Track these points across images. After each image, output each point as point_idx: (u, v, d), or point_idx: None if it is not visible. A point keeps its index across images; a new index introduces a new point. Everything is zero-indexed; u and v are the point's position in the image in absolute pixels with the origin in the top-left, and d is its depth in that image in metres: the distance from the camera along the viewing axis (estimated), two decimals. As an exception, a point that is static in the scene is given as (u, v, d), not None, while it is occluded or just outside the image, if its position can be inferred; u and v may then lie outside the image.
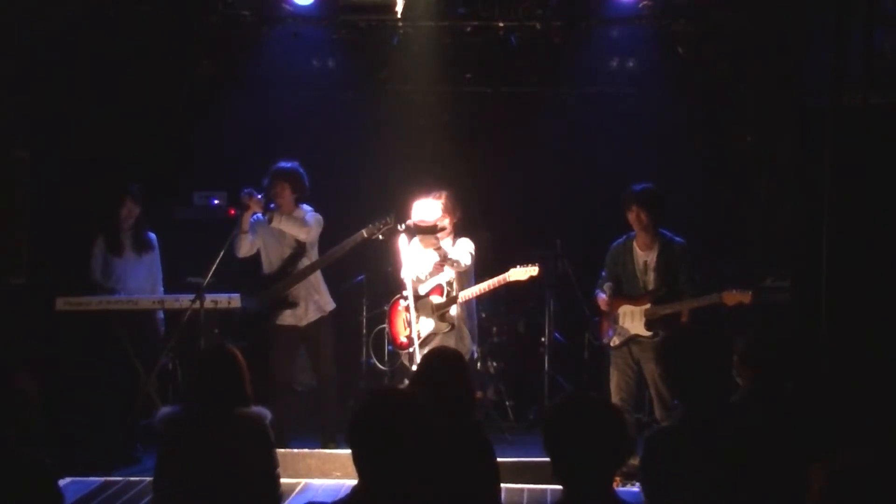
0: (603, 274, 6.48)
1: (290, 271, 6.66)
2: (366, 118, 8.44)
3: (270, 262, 6.71)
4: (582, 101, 8.43)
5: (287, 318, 6.65)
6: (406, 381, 6.35)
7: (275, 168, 6.64)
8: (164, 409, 4.05)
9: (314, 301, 6.69)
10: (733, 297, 5.95)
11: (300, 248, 6.67)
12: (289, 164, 6.67)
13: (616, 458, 2.84)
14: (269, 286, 6.66)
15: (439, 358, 3.99)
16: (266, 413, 3.98)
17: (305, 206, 6.74)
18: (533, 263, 6.31)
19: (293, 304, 6.64)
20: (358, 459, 2.82)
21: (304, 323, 6.67)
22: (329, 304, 6.78)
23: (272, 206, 6.53)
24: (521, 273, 6.28)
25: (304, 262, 6.68)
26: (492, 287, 6.38)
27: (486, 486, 3.70)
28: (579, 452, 2.79)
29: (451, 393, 3.71)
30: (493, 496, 3.72)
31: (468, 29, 7.75)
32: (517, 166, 8.58)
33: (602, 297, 6.40)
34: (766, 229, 7.67)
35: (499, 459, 6.00)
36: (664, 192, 6.33)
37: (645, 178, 6.39)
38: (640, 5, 7.50)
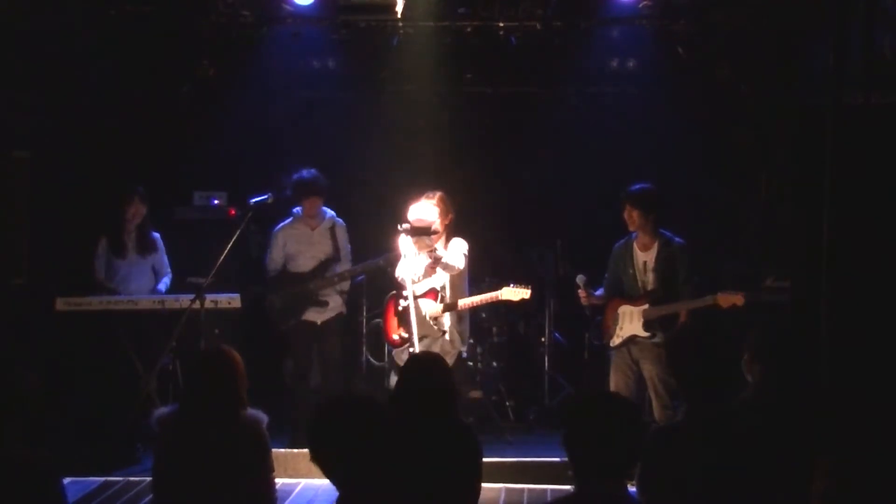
0: (606, 275, 6.48)
1: (323, 274, 6.84)
2: (366, 118, 8.44)
3: (299, 263, 6.87)
4: (582, 101, 8.43)
5: (309, 314, 6.83)
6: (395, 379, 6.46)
7: (312, 183, 6.77)
8: (160, 410, 4.05)
9: (336, 300, 6.91)
10: (727, 299, 5.98)
11: (336, 255, 6.89)
12: (314, 174, 6.82)
13: (634, 457, 2.86)
14: (298, 284, 6.80)
15: (419, 364, 4.06)
16: (262, 417, 3.98)
17: (329, 211, 6.95)
18: (526, 286, 6.33)
19: (324, 304, 6.84)
20: (324, 470, 2.91)
21: (321, 320, 6.85)
22: (343, 306, 7.02)
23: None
24: (513, 294, 6.32)
25: (338, 267, 6.90)
26: (483, 302, 6.45)
27: (466, 485, 3.73)
28: (600, 450, 2.81)
29: (434, 396, 3.75)
30: (472, 495, 3.75)
31: (468, 29, 7.74)
32: (517, 166, 8.58)
33: (580, 292, 6.42)
34: (766, 229, 7.67)
35: (499, 459, 6.04)
36: (661, 192, 6.33)
37: (645, 178, 6.39)
38: (640, 5, 7.50)
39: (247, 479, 3.89)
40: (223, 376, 3.90)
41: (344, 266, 6.93)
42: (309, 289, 6.82)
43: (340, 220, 6.99)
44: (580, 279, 6.40)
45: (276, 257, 6.91)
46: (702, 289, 6.20)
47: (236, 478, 3.85)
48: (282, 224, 6.94)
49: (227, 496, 3.83)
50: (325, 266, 6.87)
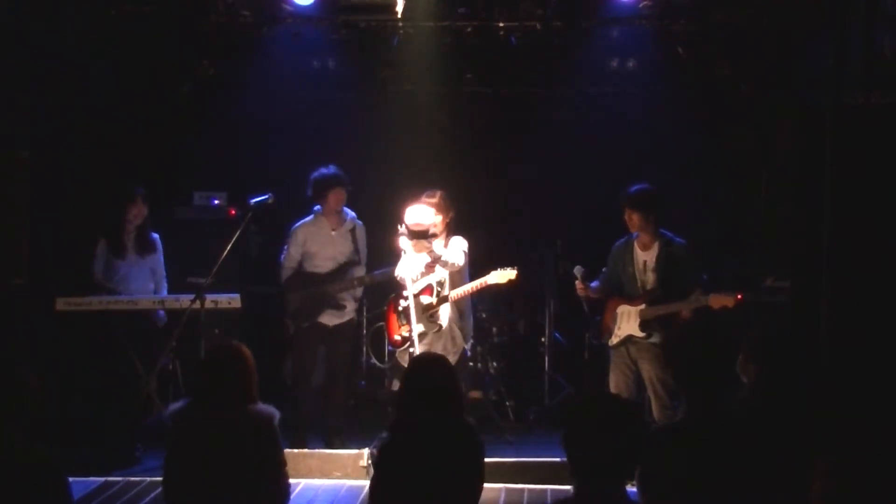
0: (604, 270, 6.48)
1: (343, 276, 6.78)
2: (366, 118, 8.44)
3: (317, 264, 6.80)
4: (582, 101, 8.42)
5: (323, 316, 6.78)
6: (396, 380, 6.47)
7: (335, 175, 6.73)
8: (175, 404, 4.09)
9: (351, 305, 6.88)
10: (718, 300, 5.98)
11: (356, 258, 6.83)
12: (334, 168, 6.78)
13: (633, 458, 2.86)
14: (316, 285, 6.75)
15: (422, 364, 4.08)
16: (274, 412, 4.01)
17: (350, 212, 6.89)
18: (512, 267, 6.32)
19: (342, 307, 6.79)
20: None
21: (333, 323, 6.80)
22: (355, 312, 6.98)
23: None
24: (501, 276, 6.31)
25: (357, 270, 6.84)
26: (473, 290, 6.42)
27: (467, 484, 3.74)
28: (599, 450, 2.81)
29: (436, 396, 3.77)
30: (473, 495, 3.76)
31: (468, 29, 7.74)
32: (517, 166, 8.57)
33: (577, 283, 6.40)
34: (766, 229, 7.67)
35: (499, 459, 6.02)
36: (660, 193, 6.32)
37: (645, 178, 6.39)
38: (640, 5, 7.50)
39: (260, 474, 3.92)
40: (234, 371, 3.94)
41: (360, 270, 6.87)
42: (328, 291, 6.76)
43: (360, 223, 6.92)
44: (577, 270, 6.38)
45: (294, 255, 6.80)
46: (703, 289, 6.19)
47: (249, 472, 3.88)
48: (302, 221, 6.84)
49: (239, 490, 3.86)
50: (344, 268, 6.80)
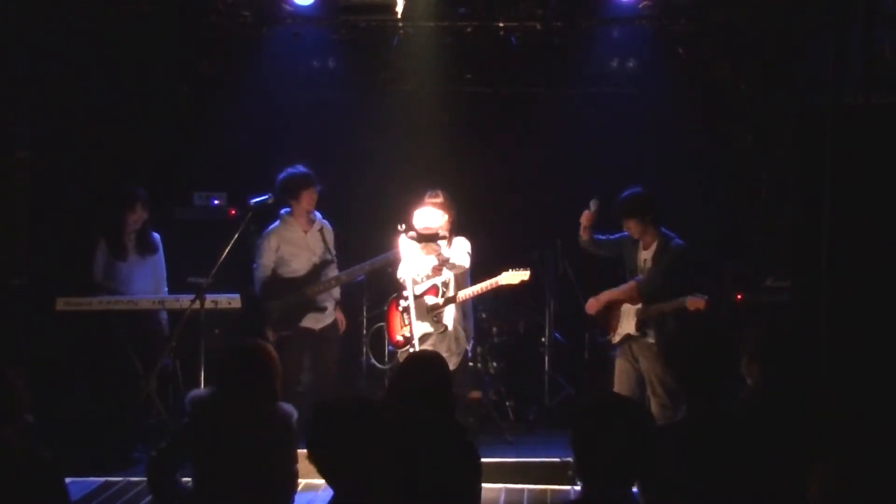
0: (612, 236, 6.49)
1: (319, 278, 6.73)
2: (366, 118, 8.43)
3: (293, 268, 6.74)
4: (582, 101, 8.42)
5: (306, 320, 6.73)
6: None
7: (307, 174, 6.67)
8: (195, 391, 4.17)
9: (332, 305, 6.83)
10: (693, 303, 6.05)
11: (330, 258, 6.77)
12: (302, 167, 6.72)
13: (642, 461, 2.85)
14: (295, 290, 6.70)
15: (416, 361, 4.07)
16: (293, 411, 4.07)
17: (317, 213, 6.83)
18: (525, 268, 6.32)
19: (323, 309, 6.75)
20: (322, 472, 2.98)
21: (319, 326, 6.77)
22: (335, 311, 6.91)
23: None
24: (513, 277, 6.32)
25: (333, 269, 6.78)
26: (483, 290, 6.42)
27: (465, 485, 3.73)
28: (607, 451, 2.80)
29: (429, 394, 3.76)
30: (473, 496, 3.75)
31: (468, 29, 7.75)
32: (517, 166, 8.57)
33: (586, 213, 6.39)
34: (766, 229, 7.67)
35: (499, 459, 6.04)
36: (652, 193, 6.32)
37: (645, 178, 6.40)
38: (640, 5, 7.50)
39: (274, 469, 3.97)
40: (263, 369, 4.01)
41: (333, 269, 6.82)
42: (307, 294, 6.72)
43: (328, 223, 6.88)
44: (594, 202, 6.37)
45: (267, 263, 6.73)
46: (695, 289, 6.21)
47: (265, 467, 3.94)
48: (271, 227, 6.78)
49: (254, 483, 3.91)
50: (320, 270, 6.75)
